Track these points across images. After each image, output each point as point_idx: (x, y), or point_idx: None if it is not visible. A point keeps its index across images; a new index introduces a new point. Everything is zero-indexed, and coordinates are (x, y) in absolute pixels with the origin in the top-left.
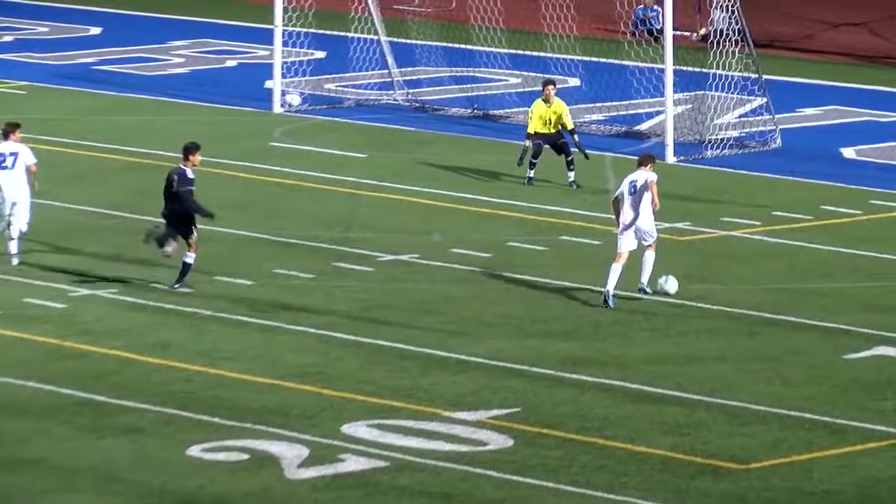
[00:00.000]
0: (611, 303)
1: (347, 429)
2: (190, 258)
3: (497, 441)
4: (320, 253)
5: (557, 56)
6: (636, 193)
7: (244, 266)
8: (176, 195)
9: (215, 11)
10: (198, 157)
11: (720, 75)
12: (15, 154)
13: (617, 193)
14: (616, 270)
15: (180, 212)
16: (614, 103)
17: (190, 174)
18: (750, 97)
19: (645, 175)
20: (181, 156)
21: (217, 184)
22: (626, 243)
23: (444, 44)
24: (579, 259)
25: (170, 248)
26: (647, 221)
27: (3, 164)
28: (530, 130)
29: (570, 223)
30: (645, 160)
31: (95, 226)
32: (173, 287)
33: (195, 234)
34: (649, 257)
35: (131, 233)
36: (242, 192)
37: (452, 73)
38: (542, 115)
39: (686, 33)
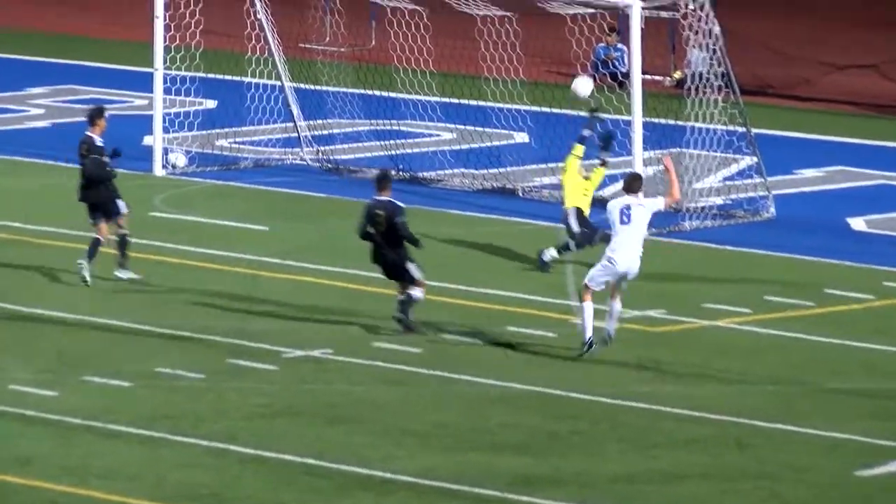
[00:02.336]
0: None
1: None
2: (418, 292)
3: None
4: (213, 347)
5: (500, 105)
6: (631, 223)
7: (120, 363)
8: (387, 234)
9: (82, 52)
10: (389, 190)
11: (700, 129)
12: None
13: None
14: (591, 309)
15: (394, 250)
16: None
17: (399, 203)
18: (736, 156)
19: (642, 203)
20: (375, 188)
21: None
22: (604, 281)
23: (362, 91)
24: (529, 356)
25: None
26: (638, 260)
27: None
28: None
29: (518, 311)
30: (634, 183)
31: None
32: (402, 321)
33: (416, 270)
34: (618, 308)
35: None
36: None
37: (372, 127)
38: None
39: (658, 78)
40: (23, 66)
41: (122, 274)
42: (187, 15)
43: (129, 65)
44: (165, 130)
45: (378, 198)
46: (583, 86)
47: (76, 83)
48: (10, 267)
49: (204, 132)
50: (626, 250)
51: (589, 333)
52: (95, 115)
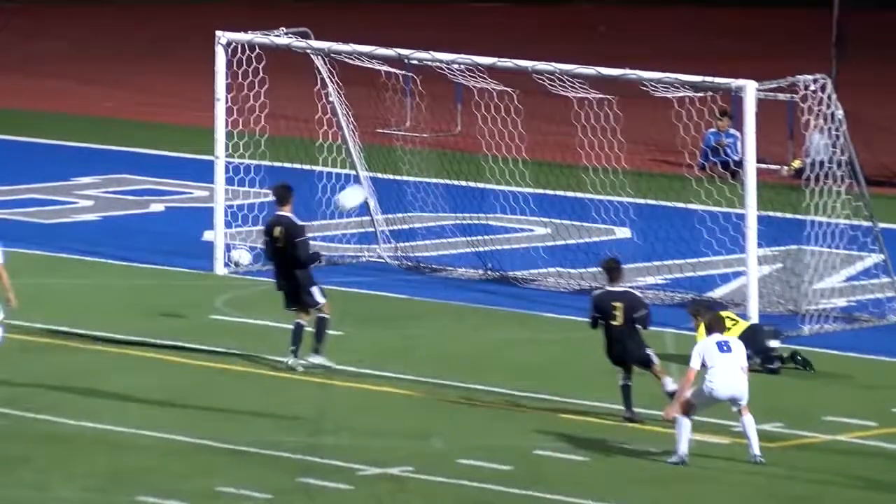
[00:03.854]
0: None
1: None
2: (672, 383)
3: None
4: (280, 464)
5: (600, 198)
6: (732, 352)
7: (177, 481)
8: (625, 326)
9: (135, 137)
10: (622, 279)
11: (821, 223)
12: None
13: (696, 366)
14: (688, 425)
15: (633, 342)
16: (677, 262)
17: (638, 293)
18: (861, 253)
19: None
20: (607, 278)
21: (137, 369)
22: (704, 409)
23: (446, 181)
24: (631, 473)
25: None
26: (743, 384)
27: None
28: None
29: (619, 425)
30: (719, 324)
31: None
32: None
33: (655, 356)
34: (750, 422)
35: (22, 439)
36: (172, 381)
37: (457, 221)
38: None
39: (774, 167)
40: (70, 153)
41: (315, 360)
42: (252, 97)
43: (188, 152)
44: (227, 225)
45: (611, 289)
46: (350, 197)
47: (128, 172)
48: (55, 375)
49: None
50: (726, 377)
51: (682, 451)
52: (286, 193)
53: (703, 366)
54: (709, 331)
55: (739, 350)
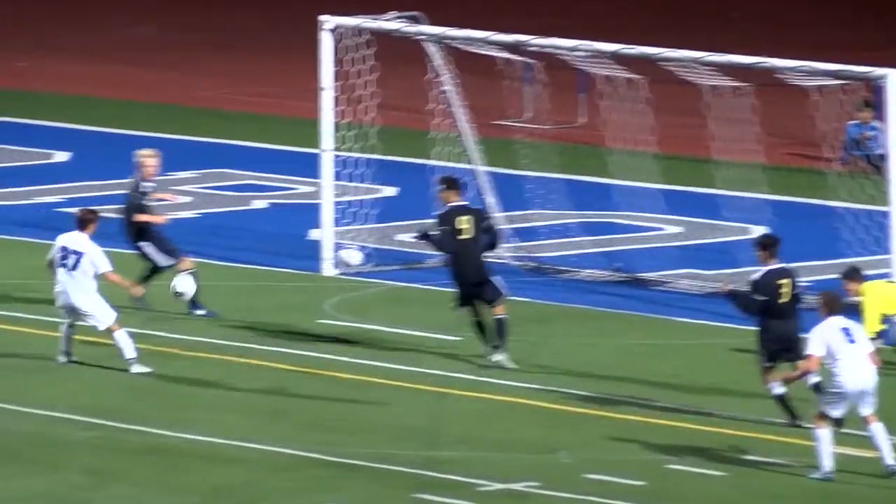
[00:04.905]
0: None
1: None
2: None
3: None
4: (394, 479)
5: (734, 193)
6: (857, 343)
7: (282, 498)
8: (791, 303)
9: (236, 129)
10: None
11: None
12: (79, 254)
13: (820, 352)
14: (827, 437)
15: (795, 321)
16: (819, 263)
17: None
18: None
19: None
20: (767, 254)
21: (240, 375)
22: (842, 409)
23: (569, 176)
24: (772, 489)
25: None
26: (873, 374)
27: (64, 261)
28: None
29: (759, 437)
30: (838, 305)
31: (68, 440)
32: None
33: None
34: (880, 430)
35: (115, 451)
36: (277, 389)
37: (582, 220)
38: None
39: None
40: (162, 145)
41: (497, 356)
42: (362, 86)
43: (292, 145)
44: (336, 223)
45: (771, 268)
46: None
47: (228, 166)
48: (151, 384)
49: (382, 225)
50: (855, 369)
51: (826, 466)
52: (458, 185)
53: (829, 355)
54: (828, 311)
55: (863, 338)
